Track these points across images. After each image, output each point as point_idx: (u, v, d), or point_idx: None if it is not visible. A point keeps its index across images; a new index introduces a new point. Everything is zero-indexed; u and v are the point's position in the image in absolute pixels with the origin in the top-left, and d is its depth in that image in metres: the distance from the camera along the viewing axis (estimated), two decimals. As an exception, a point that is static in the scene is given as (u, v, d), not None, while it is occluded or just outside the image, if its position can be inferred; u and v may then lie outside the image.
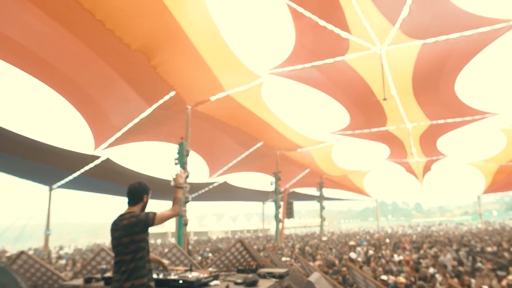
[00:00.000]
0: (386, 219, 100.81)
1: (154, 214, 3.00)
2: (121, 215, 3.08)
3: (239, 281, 3.19)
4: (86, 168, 19.07)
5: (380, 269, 7.89)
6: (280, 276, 3.39)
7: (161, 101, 15.16)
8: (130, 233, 2.92)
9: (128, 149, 20.29)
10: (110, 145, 17.23)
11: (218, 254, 13.83)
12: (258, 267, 3.75)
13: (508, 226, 35.85)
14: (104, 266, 3.67)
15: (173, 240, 36.46)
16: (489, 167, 28.24)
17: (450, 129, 21.79)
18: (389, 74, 14.51)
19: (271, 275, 3.39)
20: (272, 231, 47.69)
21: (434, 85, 15.59)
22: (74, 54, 11.57)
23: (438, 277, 6.98)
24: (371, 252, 13.35)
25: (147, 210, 3.15)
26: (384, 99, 13.75)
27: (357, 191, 38.04)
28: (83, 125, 16.23)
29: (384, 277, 6.55)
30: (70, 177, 20.45)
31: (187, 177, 14.91)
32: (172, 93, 14.62)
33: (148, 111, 15.49)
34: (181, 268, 3.65)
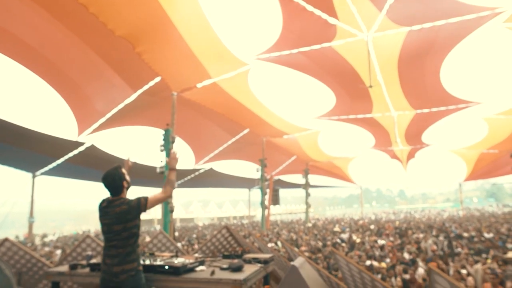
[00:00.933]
0: (371, 205, 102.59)
1: (146, 199, 2.97)
2: (111, 201, 3.03)
3: (224, 266, 3.21)
4: (70, 154, 18.76)
5: (363, 254, 8.05)
6: (265, 261, 3.42)
7: (146, 87, 14.96)
8: (122, 221, 2.91)
9: (113, 135, 20.05)
10: (94, 130, 16.95)
11: (204, 241, 13.95)
12: (244, 253, 3.75)
13: (487, 212, 36.84)
14: (89, 253, 3.64)
15: (158, 227, 36.44)
16: (471, 155, 28.83)
17: (435, 120, 22.13)
18: (375, 62, 14.56)
19: (256, 260, 3.41)
20: (258, 218, 48.05)
21: (419, 73, 15.73)
22: (56, 38, 11.26)
23: (419, 261, 7.16)
24: (354, 238, 13.59)
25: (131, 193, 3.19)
26: (370, 87, 13.81)
27: (342, 177, 38.47)
28: (66, 110, 15.90)
29: (368, 262, 6.68)
30: (54, 164, 20.11)
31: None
32: (157, 79, 14.45)
33: (133, 96, 15.26)
34: (167, 254, 3.65)
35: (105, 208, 3.01)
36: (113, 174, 3.07)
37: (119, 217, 2.91)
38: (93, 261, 3.46)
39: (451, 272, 6.29)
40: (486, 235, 11.55)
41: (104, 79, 14.00)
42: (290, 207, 69.80)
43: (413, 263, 7.04)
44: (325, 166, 33.45)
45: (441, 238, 11.39)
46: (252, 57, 14.89)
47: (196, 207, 58.97)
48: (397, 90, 17.85)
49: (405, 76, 15.87)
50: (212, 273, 3.04)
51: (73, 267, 3.45)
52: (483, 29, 12.55)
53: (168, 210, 14.73)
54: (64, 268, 3.54)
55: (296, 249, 3.85)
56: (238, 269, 3.09)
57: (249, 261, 3.41)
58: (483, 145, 25.77)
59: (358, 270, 2.67)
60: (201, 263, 3.31)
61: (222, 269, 3.20)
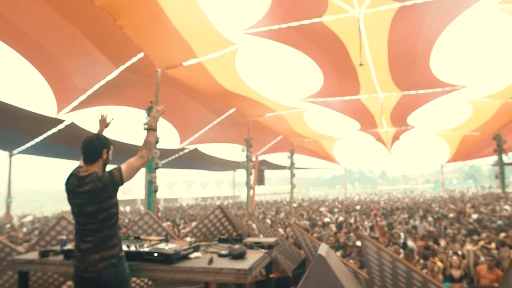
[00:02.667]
0: (353, 186, 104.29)
1: (119, 169, 2.51)
2: (79, 178, 2.51)
3: (223, 252, 2.81)
4: (49, 132, 18.04)
5: (352, 234, 7.95)
6: (269, 246, 3.00)
7: (128, 63, 14.41)
8: (97, 200, 2.44)
9: (95, 114, 19.34)
10: (74, 108, 16.30)
11: (195, 222, 13.66)
12: (242, 236, 3.41)
13: (468, 194, 37.73)
14: (64, 237, 3.12)
15: (142, 208, 36.07)
16: (454, 137, 29.23)
17: (421, 103, 22.18)
18: (365, 40, 14.24)
19: (259, 245, 2.99)
20: (242, 198, 48.10)
21: (409, 54, 15.51)
22: (32, 8, 10.59)
23: (409, 242, 7.08)
24: (341, 218, 13.56)
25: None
26: (361, 65, 13.54)
27: (327, 158, 38.62)
28: (44, 86, 15.19)
29: (358, 243, 6.55)
30: (32, 142, 19.35)
31: (156, 142, 14.37)
32: (140, 55, 13.89)
33: (115, 72, 14.69)
34: (154, 237, 3.19)
35: (73, 187, 2.52)
36: (92, 139, 2.63)
37: (92, 197, 2.45)
38: (68, 247, 2.99)
39: (440, 251, 6.23)
40: (473, 216, 11.65)
41: (84, 54, 13.39)
42: (274, 187, 70.18)
43: (405, 245, 6.95)
44: (310, 146, 33.43)
45: (430, 218, 11.45)
46: (240, 32, 14.38)
47: (180, 187, 58.66)
48: (385, 70, 17.64)
49: (394, 55, 15.61)
50: (210, 261, 2.63)
51: (44, 254, 2.96)
52: (475, 9, 12.33)
53: (152, 190, 14.38)
54: (34, 255, 3.04)
55: (309, 235, 3.39)
56: (240, 256, 2.69)
57: (250, 246, 3.00)
58: (466, 127, 26.09)
59: (392, 258, 2.33)
60: (196, 249, 2.90)
61: (220, 255, 2.82)
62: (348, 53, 15.89)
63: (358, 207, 19.22)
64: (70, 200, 2.53)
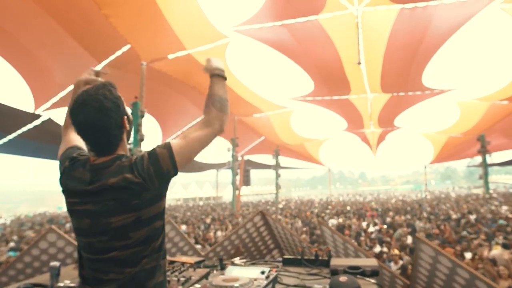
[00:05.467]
0: (335, 187, 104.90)
1: (168, 148, 1.35)
2: (94, 167, 1.35)
3: None
4: (24, 129, 16.92)
5: (363, 238, 7.50)
6: (374, 273, 1.98)
7: (112, 57, 13.68)
8: (129, 206, 1.29)
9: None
10: (54, 105, 15.36)
11: (185, 226, 12.85)
12: (329, 255, 2.22)
13: (451, 194, 38.17)
14: (56, 263, 2.02)
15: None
16: (440, 138, 29.40)
17: (410, 104, 22.16)
18: (361, 39, 13.89)
19: (359, 272, 1.96)
20: (225, 199, 47.46)
21: (407, 59, 15.24)
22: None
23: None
24: (334, 221, 13.12)
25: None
26: (359, 63, 13.17)
27: (311, 159, 38.34)
28: (20, 81, 14.23)
29: (377, 249, 6.06)
30: (5, 139, 18.15)
31: (141, 140, 13.64)
32: (125, 48, 13.19)
33: (98, 67, 13.85)
34: (188, 259, 2.35)
35: (82, 183, 1.34)
36: (100, 99, 1.34)
37: (120, 199, 1.29)
38: (65, 283, 1.94)
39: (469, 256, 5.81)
40: (471, 217, 11.40)
41: (63, 47, 12.70)
42: (256, 188, 69.71)
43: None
44: (294, 147, 33.10)
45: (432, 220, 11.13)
46: (232, 28, 13.82)
47: (161, 188, 57.24)
48: (377, 71, 17.39)
49: (390, 58, 15.31)
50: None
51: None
52: (481, 17, 12.14)
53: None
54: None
55: (356, 246, 2.67)
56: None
57: (344, 272, 1.94)
58: (452, 129, 26.24)
59: (452, 264, 1.99)
60: (273, 281, 1.87)
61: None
62: (338, 55, 15.57)
63: (348, 208, 18.90)
64: (75, 206, 1.37)
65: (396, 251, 5.74)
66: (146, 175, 1.30)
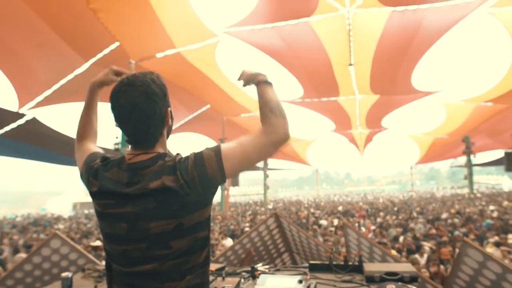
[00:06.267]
0: (321, 187, 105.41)
1: (218, 152, 1.17)
2: (131, 167, 1.20)
3: None
4: (7, 128, 16.44)
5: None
6: (413, 279, 1.87)
7: (100, 55, 13.41)
8: (171, 211, 1.15)
9: (62, 110, 18.05)
10: (39, 104, 14.98)
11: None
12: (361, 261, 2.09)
13: (436, 194, 38.73)
14: (69, 274, 1.86)
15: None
16: (426, 140, 29.81)
17: (397, 105, 22.38)
18: (352, 41, 13.93)
19: (398, 278, 1.83)
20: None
21: (396, 61, 15.34)
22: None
23: (426, 245, 6.65)
24: (324, 222, 13.10)
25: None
26: (350, 65, 13.20)
27: (298, 160, 38.41)
28: (2, 80, 13.84)
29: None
30: (-13, 140, 17.61)
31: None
32: (113, 46, 12.95)
33: (85, 66, 13.65)
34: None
35: (118, 185, 1.20)
36: (148, 82, 1.22)
37: (162, 202, 1.15)
38: None
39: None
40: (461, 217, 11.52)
41: (49, 46, 12.39)
42: (243, 188, 69.49)
43: (418, 248, 6.49)
44: (282, 147, 33.03)
45: (421, 219, 11.21)
46: (223, 28, 13.72)
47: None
48: (366, 73, 17.48)
49: (380, 60, 15.40)
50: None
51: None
52: (468, 19, 12.31)
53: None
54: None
55: (385, 250, 2.51)
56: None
57: (381, 279, 1.83)
58: (438, 131, 26.62)
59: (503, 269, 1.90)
60: None
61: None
62: (328, 58, 15.60)
63: (340, 208, 18.94)
64: (108, 208, 1.21)
65: (394, 252, 5.71)
66: (189, 179, 1.14)
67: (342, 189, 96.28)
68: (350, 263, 2.10)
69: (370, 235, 8.59)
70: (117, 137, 13.43)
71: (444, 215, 12.18)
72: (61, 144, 18.88)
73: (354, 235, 2.76)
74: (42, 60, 13.33)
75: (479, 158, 27.83)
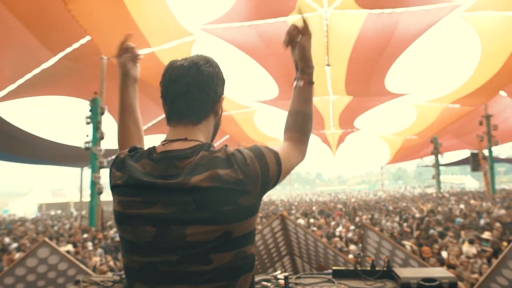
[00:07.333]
0: (293, 187, 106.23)
1: (276, 152, 1.02)
2: (166, 157, 0.97)
3: None
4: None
5: (337, 239, 7.45)
6: (453, 285, 1.70)
7: (69, 49, 12.88)
8: (221, 214, 0.90)
9: (26, 105, 17.19)
10: (2, 98, 14.24)
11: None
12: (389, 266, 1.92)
13: (406, 194, 39.77)
14: None
15: (75, 212, 33.19)
16: (396, 140, 30.55)
17: (370, 106, 22.80)
18: (328, 41, 14.01)
19: (437, 286, 1.68)
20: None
21: (372, 63, 15.57)
22: None
23: (407, 244, 6.70)
24: (301, 221, 13.09)
25: None
26: (328, 65, 13.27)
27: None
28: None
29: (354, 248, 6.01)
30: None
31: (101, 138, 12.94)
32: (83, 40, 12.47)
33: (53, 60, 13.06)
34: None
35: (150, 177, 0.95)
36: (198, 62, 1.03)
37: (207, 202, 0.91)
38: None
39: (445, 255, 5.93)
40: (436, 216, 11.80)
41: (14, 38, 11.76)
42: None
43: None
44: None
45: (396, 218, 11.40)
46: (200, 26, 13.46)
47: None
48: (341, 74, 17.67)
49: (355, 62, 15.56)
50: None
51: None
52: (441, 23, 12.64)
53: (95, 192, 12.87)
54: None
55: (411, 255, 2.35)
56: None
57: (419, 286, 1.68)
58: (408, 131, 27.36)
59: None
60: None
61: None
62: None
63: (314, 208, 19.04)
64: (132, 208, 0.96)
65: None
66: (251, 174, 0.94)
67: (314, 189, 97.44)
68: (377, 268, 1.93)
69: (350, 235, 8.61)
70: (87, 135, 12.87)
71: (417, 214, 12.46)
72: (24, 145, 17.99)
73: (376, 238, 2.60)
74: (7, 53, 12.65)
75: (445, 158, 28.77)
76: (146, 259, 0.93)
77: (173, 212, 0.91)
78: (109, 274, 4.73)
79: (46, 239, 2.35)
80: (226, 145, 0.99)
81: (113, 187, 1.02)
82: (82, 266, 2.25)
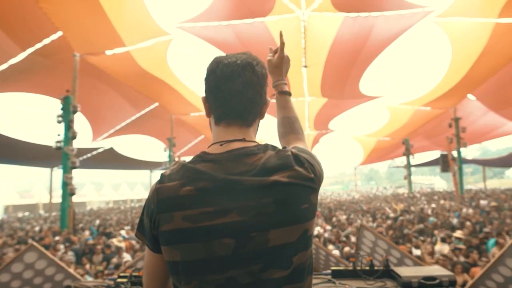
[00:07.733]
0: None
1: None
2: (223, 153, 0.93)
3: None
4: None
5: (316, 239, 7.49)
6: (452, 283, 1.74)
7: (39, 45, 12.45)
8: (299, 212, 0.88)
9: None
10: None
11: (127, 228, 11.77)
12: (387, 264, 1.94)
13: (378, 194, 40.62)
14: None
15: (44, 213, 32.10)
16: (369, 141, 31.20)
17: (344, 108, 23.18)
18: (306, 43, 14.13)
19: (438, 284, 1.70)
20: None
21: (348, 64, 15.81)
22: None
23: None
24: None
25: None
26: (305, 67, 13.37)
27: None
28: None
29: (332, 248, 6.06)
30: None
31: (74, 138, 12.51)
32: (54, 36, 12.08)
33: (21, 56, 12.57)
34: None
35: (214, 181, 0.88)
36: (252, 63, 0.99)
37: (287, 201, 0.86)
38: None
39: (419, 252, 6.08)
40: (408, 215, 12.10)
41: None
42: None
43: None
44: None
45: (369, 218, 11.60)
46: (177, 24, 13.28)
47: (89, 189, 53.47)
48: (318, 76, 17.86)
49: (331, 64, 15.77)
50: None
51: None
52: (414, 28, 13.01)
53: (67, 193, 12.42)
54: None
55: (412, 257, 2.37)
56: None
57: (420, 285, 1.70)
58: (381, 132, 28.00)
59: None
60: None
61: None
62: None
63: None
64: (202, 221, 0.85)
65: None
66: (317, 173, 0.94)
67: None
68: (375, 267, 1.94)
69: (327, 235, 8.70)
70: (59, 135, 12.41)
71: (391, 214, 12.75)
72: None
73: (371, 237, 2.60)
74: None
75: (416, 159, 29.61)
76: (224, 275, 0.85)
77: (251, 217, 0.85)
78: (86, 277, 4.57)
79: (34, 243, 2.20)
80: (284, 147, 0.97)
81: (169, 204, 0.89)
82: (71, 271, 2.14)
